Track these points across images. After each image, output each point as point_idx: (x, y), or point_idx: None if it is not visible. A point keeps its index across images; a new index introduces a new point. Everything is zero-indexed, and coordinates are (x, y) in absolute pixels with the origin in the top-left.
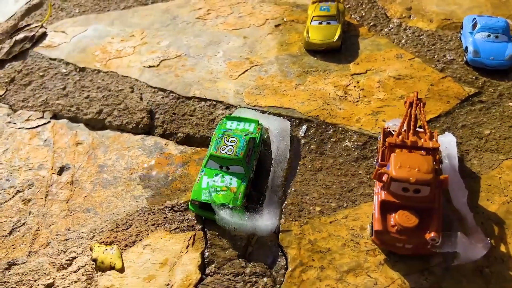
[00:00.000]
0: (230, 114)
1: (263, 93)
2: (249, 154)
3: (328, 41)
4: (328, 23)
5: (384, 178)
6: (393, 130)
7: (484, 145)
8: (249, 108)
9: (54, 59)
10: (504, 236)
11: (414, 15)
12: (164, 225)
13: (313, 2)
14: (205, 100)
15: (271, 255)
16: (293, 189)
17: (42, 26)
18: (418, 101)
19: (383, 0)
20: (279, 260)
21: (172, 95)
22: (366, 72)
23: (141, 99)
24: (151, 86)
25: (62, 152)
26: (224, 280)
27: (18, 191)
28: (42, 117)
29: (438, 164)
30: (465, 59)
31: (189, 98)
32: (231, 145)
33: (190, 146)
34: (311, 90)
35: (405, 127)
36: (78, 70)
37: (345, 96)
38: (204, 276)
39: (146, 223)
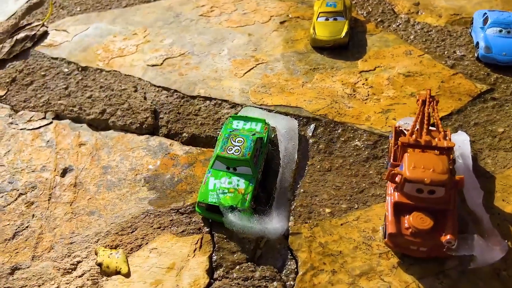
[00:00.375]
0: (236, 113)
1: (269, 92)
2: (256, 155)
3: (335, 37)
4: (335, 19)
5: (397, 179)
6: (404, 129)
7: (498, 143)
8: (255, 107)
9: (56, 58)
10: None
11: (422, 10)
12: (171, 228)
13: None
14: (210, 99)
15: (280, 258)
16: (302, 190)
17: (43, 25)
18: (431, 99)
19: None
20: (289, 263)
21: (176, 94)
22: (374, 69)
23: (144, 98)
24: (154, 85)
25: (65, 154)
26: (233, 284)
27: (21, 194)
28: (44, 118)
29: (452, 163)
30: (476, 55)
31: (193, 97)
32: (238, 146)
33: (196, 146)
34: (319, 88)
35: (417, 126)
36: (80, 69)
37: (354, 94)
38: (212, 280)
39: (152, 226)
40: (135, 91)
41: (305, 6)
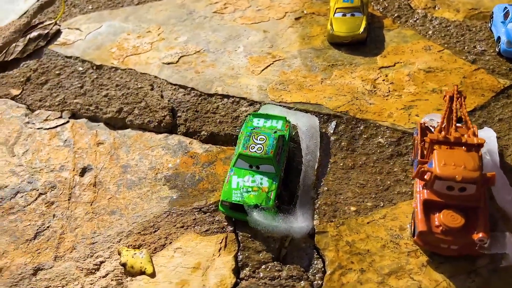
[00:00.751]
0: (255, 111)
1: (287, 89)
2: (279, 152)
3: (354, 33)
4: (352, 15)
5: (427, 176)
6: (430, 126)
7: None
8: (275, 105)
9: (70, 57)
10: None
11: (439, 5)
12: (194, 227)
13: None
14: (228, 97)
15: (306, 257)
16: (325, 189)
17: (55, 24)
18: (458, 95)
19: None
20: (315, 262)
21: (193, 92)
22: (394, 65)
23: (161, 96)
24: (171, 83)
25: (83, 153)
26: (260, 284)
27: (41, 194)
28: (60, 117)
29: (481, 160)
30: (497, 50)
31: (211, 95)
32: (260, 144)
33: (215, 144)
34: (338, 85)
35: (445, 123)
36: (95, 67)
37: (374, 90)
38: (239, 280)
39: (174, 225)
40: (152, 89)
41: (319, 2)
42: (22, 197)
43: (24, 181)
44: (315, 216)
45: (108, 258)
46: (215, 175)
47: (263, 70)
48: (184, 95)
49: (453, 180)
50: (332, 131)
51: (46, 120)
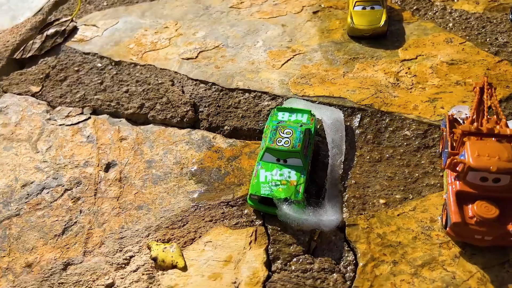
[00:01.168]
0: (277, 105)
1: (309, 82)
2: (305, 146)
3: (374, 26)
4: (372, 8)
5: (459, 167)
6: (459, 118)
7: None
8: (299, 98)
9: (88, 53)
10: None
11: None
12: (223, 220)
13: None
14: (249, 91)
15: (337, 250)
16: (353, 181)
17: (72, 20)
18: (488, 86)
19: None
20: (346, 255)
21: (214, 87)
22: (416, 58)
23: (183, 92)
24: (191, 79)
25: (107, 148)
26: (293, 277)
27: (66, 190)
28: (82, 113)
29: None
30: None
31: (232, 90)
32: (287, 137)
33: (238, 139)
34: (361, 78)
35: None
36: (113, 64)
37: (398, 83)
38: (271, 273)
39: (203, 219)
40: (172, 84)
41: None
42: (48, 193)
43: (50, 177)
44: (344, 209)
45: (138, 252)
46: (241, 169)
47: (283, 64)
48: (205, 90)
49: (487, 171)
50: (357, 124)
51: (67, 116)
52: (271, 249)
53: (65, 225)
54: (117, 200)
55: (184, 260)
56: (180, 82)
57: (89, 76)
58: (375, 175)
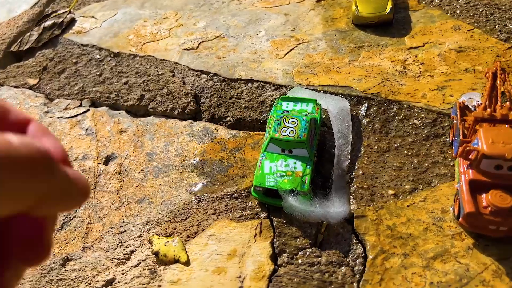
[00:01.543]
0: (281, 95)
1: (314, 72)
2: (311, 136)
3: (380, 13)
4: None
5: (472, 155)
6: (470, 105)
7: None
8: (303, 88)
9: (86, 45)
10: None
11: None
12: (226, 213)
13: None
14: (252, 81)
15: (344, 243)
16: (360, 172)
17: (70, 12)
18: (501, 71)
19: None
20: (354, 248)
21: (216, 78)
22: (423, 46)
23: (183, 83)
24: (192, 69)
25: (106, 141)
26: (300, 270)
27: None
28: (80, 106)
29: None
30: None
31: (234, 80)
32: (292, 127)
33: (241, 130)
34: (367, 66)
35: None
36: (112, 55)
37: (405, 71)
38: (277, 267)
39: (206, 212)
40: (173, 75)
41: None
42: None
43: None
44: (352, 200)
45: (139, 247)
46: (244, 160)
47: (287, 53)
48: (207, 80)
49: (502, 158)
50: (364, 114)
51: (65, 109)
52: (277, 242)
53: (64, 219)
54: (117, 193)
55: (187, 254)
56: (181, 73)
57: (88, 68)
58: (383, 166)
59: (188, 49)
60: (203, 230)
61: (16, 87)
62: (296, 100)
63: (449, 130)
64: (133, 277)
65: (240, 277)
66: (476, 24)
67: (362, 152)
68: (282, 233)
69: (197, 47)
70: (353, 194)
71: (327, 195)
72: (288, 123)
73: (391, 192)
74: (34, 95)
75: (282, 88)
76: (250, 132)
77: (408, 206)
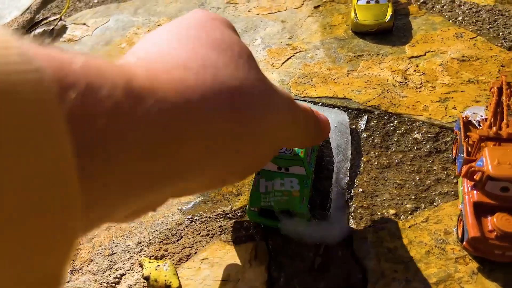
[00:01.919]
0: None
1: (311, 82)
2: (309, 153)
3: (380, 21)
4: (377, 1)
5: (476, 176)
6: (474, 120)
7: None
8: (300, 100)
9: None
10: None
11: None
12: (220, 235)
13: None
14: None
15: (344, 266)
16: (360, 190)
17: (61, 19)
18: (507, 86)
19: None
20: (354, 272)
21: None
22: (425, 55)
23: None
24: None
25: None
26: None
27: None
28: None
29: None
30: None
31: None
32: None
33: None
34: (366, 77)
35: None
36: None
37: (406, 82)
38: None
39: (199, 233)
40: None
41: None
42: None
43: None
44: (351, 221)
45: (129, 270)
46: None
47: (283, 63)
48: None
49: (509, 181)
50: (363, 128)
51: None
52: (273, 266)
53: None
54: None
55: (179, 280)
56: None
57: None
58: (383, 183)
59: None
60: (195, 253)
61: None
62: None
63: (452, 146)
64: None
65: None
66: (479, 32)
67: (362, 168)
68: (278, 256)
69: None
70: (352, 214)
71: (325, 215)
72: None
73: (392, 211)
74: None
75: None
76: None
77: (409, 227)
